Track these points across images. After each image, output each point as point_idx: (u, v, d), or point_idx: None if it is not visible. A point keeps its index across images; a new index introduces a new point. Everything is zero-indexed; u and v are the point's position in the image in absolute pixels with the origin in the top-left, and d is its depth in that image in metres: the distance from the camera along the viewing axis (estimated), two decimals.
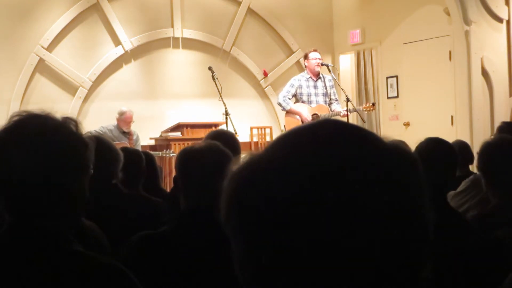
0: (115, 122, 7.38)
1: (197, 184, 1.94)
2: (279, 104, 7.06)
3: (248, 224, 0.67)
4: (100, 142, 2.69)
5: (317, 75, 7.07)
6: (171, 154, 7.21)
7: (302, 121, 6.90)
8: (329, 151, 0.67)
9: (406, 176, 0.68)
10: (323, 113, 6.95)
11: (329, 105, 7.09)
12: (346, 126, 0.71)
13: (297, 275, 0.65)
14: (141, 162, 3.24)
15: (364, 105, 7.25)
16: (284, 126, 7.19)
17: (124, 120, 7.32)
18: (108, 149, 2.67)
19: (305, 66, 7.18)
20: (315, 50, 7.13)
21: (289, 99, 6.98)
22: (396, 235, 0.65)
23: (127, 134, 7.37)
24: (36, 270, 1.26)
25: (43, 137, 1.30)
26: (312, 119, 6.86)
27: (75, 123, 1.36)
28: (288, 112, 6.98)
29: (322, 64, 7.11)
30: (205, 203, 1.83)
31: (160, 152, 7.27)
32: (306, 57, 7.15)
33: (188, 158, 2.00)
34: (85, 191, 1.37)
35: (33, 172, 1.27)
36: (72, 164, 1.32)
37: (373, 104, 7.22)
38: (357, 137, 0.70)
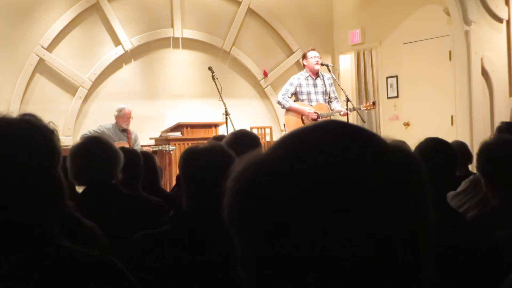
0: (113, 121, 7.37)
1: (199, 184, 1.94)
2: (279, 103, 7.06)
3: (251, 224, 0.67)
4: (100, 142, 2.69)
5: (316, 74, 7.07)
6: (171, 148, 7.21)
7: (303, 119, 6.90)
8: (332, 152, 0.67)
9: (409, 177, 0.68)
10: (323, 111, 6.95)
11: (328, 103, 7.09)
12: (349, 127, 0.72)
13: (300, 275, 0.65)
14: (138, 162, 3.24)
15: (364, 104, 7.26)
16: (284, 124, 7.19)
17: (123, 116, 7.30)
18: (108, 149, 2.67)
19: (304, 66, 7.19)
20: (313, 49, 7.16)
21: (289, 97, 6.98)
22: (398, 235, 0.66)
23: (126, 133, 7.36)
24: (22, 267, 1.25)
25: (6, 133, 1.30)
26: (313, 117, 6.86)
27: (34, 116, 1.36)
28: (288, 110, 6.98)
29: (322, 64, 7.11)
30: (208, 203, 1.83)
31: (160, 146, 7.27)
32: (304, 56, 7.18)
33: (191, 158, 2.00)
34: (62, 179, 1.36)
35: (5, 174, 1.27)
36: (41, 153, 1.31)
37: (374, 103, 7.23)
38: (361, 138, 0.70)
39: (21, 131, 1.31)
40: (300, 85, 7.01)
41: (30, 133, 1.31)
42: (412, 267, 0.67)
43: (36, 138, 1.31)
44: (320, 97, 7.03)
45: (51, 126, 1.37)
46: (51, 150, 1.33)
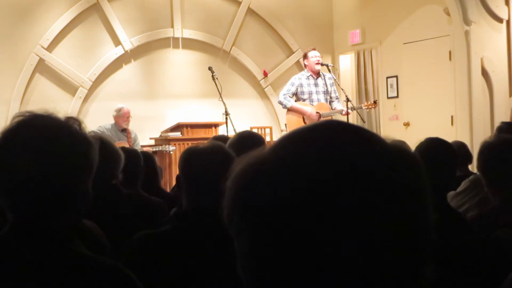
0: (112, 122, 7.37)
1: (199, 184, 1.94)
2: (280, 103, 7.05)
3: (251, 223, 0.67)
4: (101, 142, 2.68)
5: (317, 74, 7.08)
6: (171, 149, 7.21)
7: (304, 119, 6.90)
8: (333, 152, 0.67)
9: (409, 177, 0.68)
10: (325, 111, 6.95)
11: (329, 103, 7.10)
12: (350, 127, 0.72)
13: (300, 275, 0.65)
14: (139, 162, 3.24)
15: (365, 103, 7.27)
16: (285, 124, 7.19)
17: (122, 116, 7.30)
18: (109, 149, 2.67)
19: (305, 65, 7.19)
20: (314, 49, 7.17)
21: (290, 97, 6.98)
22: (398, 235, 0.66)
23: (125, 133, 7.36)
24: (38, 271, 1.26)
25: (46, 137, 1.29)
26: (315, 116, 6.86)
27: (79, 122, 1.36)
28: (290, 110, 6.98)
29: (322, 64, 7.12)
30: (208, 203, 1.83)
31: (160, 147, 7.27)
32: (305, 56, 7.18)
33: (191, 158, 2.00)
34: (89, 191, 1.36)
35: (37, 173, 1.26)
36: (76, 164, 1.31)
37: (375, 102, 7.24)
38: (361, 138, 0.70)
39: (62, 136, 1.30)
40: (301, 85, 7.01)
41: (70, 140, 1.30)
42: (411, 267, 0.67)
43: (75, 148, 1.30)
44: (322, 97, 7.03)
45: (91, 137, 1.36)
46: (85, 162, 1.33)
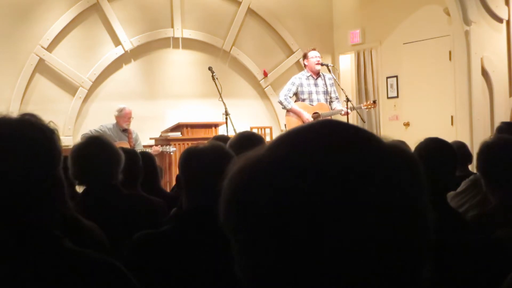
0: (114, 121, 7.36)
1: (199, 184, 1.94)
2: (280, 103, 7.06)
3: (248, 223, 0.67)
4: (102, 143, 2.68)
5: (317, 74, 7.08)
6: (172, 150, 7.21)
7: (303, 122, 6.91)
8: (329, 152, 0.67)
9: (406, 177, 0.68)
10: (324, 111, 6.95)
11: (329, 103, 7.10)
12: (346, 126, 0.72)
13: (297, 274, 0.65)
14: (137, 162, 3.24)
15: (365, 103, 7.27)
16: (285, 125, 7.19)
17: (123, 116, 7.30)
18: (109, 150, 2.67)
19: (305, 65, 7.20)
20: (314, 49, 7.17)
21: (290, 97, 6.98)
22: (396, 235, 0.66)
23: (126, 133, 7.35)
24: (22, 268, 1.25)
25: (7, 133, 1.29)
26: (313, 118, 6.87)
27: (34, 116, 1.36)
28: (289, 111, 6.99)
29: (322, 64, 7.12)
30: (207, 203, 1.83)
31: (160, 147, 7.27)
32: (305, 56, 7.19)
33: (191, 158, 2.00)
34: (62, 180, 1.36)
35: (5, 172, 1.26)
36: (42, 153, 1.30)
37: (374, 102, 7.24)
38: (358, 137, 0.70)
39: (21, 131, 1.30)
40: (301, 85, 7.02)
41: (30, 133, 1.30)
42: (410, 267, 0.67)
43: (36, 138, 1.30)
44: (321, 97, 7.03)
45: (52, 125, 1.36)
46: (51, 150, 1.32)
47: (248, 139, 2.89)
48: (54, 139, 1.33)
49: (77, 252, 1.30)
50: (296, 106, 6.94)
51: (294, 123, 6.88)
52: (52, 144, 1.32)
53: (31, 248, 1.26)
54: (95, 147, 2.65)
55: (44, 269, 1.25)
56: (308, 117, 6.86)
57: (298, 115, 6.91)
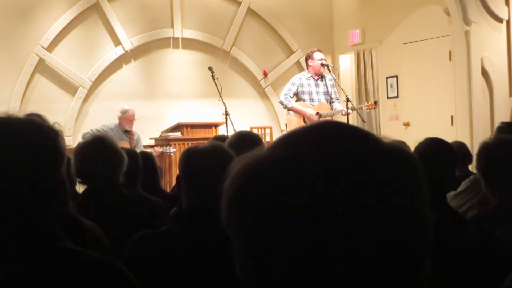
0: (116, 121, 7.36)
1: (199, 184, 1.94)
2: (281, 103, 7.05)
3: (250, 223, 0.67)
4: (105, 143, 2.68)
5: (319, 75, 7.08)
6: (172, 151, 7.20)
7: (305, 120, 6.90)
8: (330, 152, 0.67)
9: (406, 177, 0.68)
10: (325, 111, 6.95)
11: (330, 104, 7.09)
12: (347, 127, 0.72)
13: (299, 275, 0.65)
14: (137, 162, 3.24)
15: (366, 103, 7.26)
16: (286, 125, 7.19)
17: (127, 118, 7.30)
18: (112, 151, 2.67)
19: (309, 66, 7.13)
20: (319, 50, 7.10)
21: (291, 97, 6.98)
22: (396, 235, 0.66)
23: (128, 134, 7.36)
24: (23, 268, 1.25)
25: (11, 133, 1.29)
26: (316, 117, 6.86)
27: (40, 116, 1.36)
28: (290, 111, 6.98)
29: (322, 65, 7.11)
30: (207, 203, 1.83)
31: (160, 148, 7.27)
32: (310, 57, 7.09)
33: (191, 158, 2.00)
34: (65, 181, 1.36)
35: (8, 169, 1.26)
36: (46, 154, 1.30)
37: (375, 102, 7.23)
38: (358, 138, 0.70)
39: (26, 131, 1.30)
40: (301, 85, 7.01)
41: (35, 133, 1.30)
42: (410, 267, 0.67)
43: (40, 139, 1.30)
44: (322, 97, 7.03)
45: (56, 127, 1.36)
46: (55, 152, 1.32)
47: (247, 139, 2.89)
48: (59, 140, 1.33)
49: (79, 253, 1.30)
50: (296, 105, 6.93)
51: (295, 122, 6.87)
52: (56, 146, 1.32)
53: (33, 248, 1.26)
54: (98, 147, 2.65)
55: (45, 269, 1.25)
56: (313, 113, 6.83)
57: (300, 113, 6.88)
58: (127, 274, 1.32)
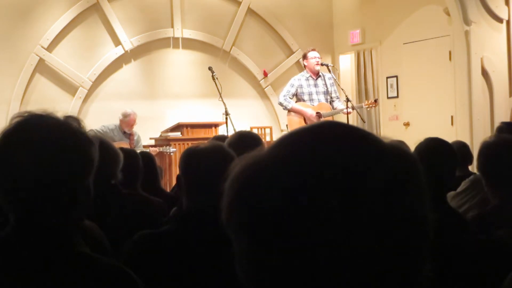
0: (117, 122, 7.37)
1: (199, 184, 1.94)
2: (280, 104, 7.06)
3: (250, 223, 0.67)
4: (100, 143, 2.68)
5: (317, 74, 7.08)
6: (172, 150, 7.20)
7: (305, 120, 6.90)
8: (330, 152, 0.67)
9: (406, 177, 0.69)
10: (326, 111, 6.95)
11: (330, 103, 7.10)
12: (347, 127, 0.72)
13: (299, 275, 0.65)
14: (137, 162, 3.24)
15: (366, 102, 7.27)
16: (286, 125, 7.19)
17: (127, 122, 7.32)
18: (108, 149, 2.67)
19: (305, 66, 7.20)
20: (313, 50, 7.16)
21: (290, 98, 6.98)
22: (396, 235, 0.66)
23: (128, 135, 7.37)
24: (42, 271, 1.26)
25: (46, 136, 1.29)
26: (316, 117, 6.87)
27: (78, 121, 1.36)
28: (290, 111, 6.98)
29: (322, 64, 7.12)
30: (208, 203, 1.83)
31: (160, 148, 7.27)
32: (305, 56, 7.19)
33: (191, 158, 2.00)
34: (90, 189, 1.36)
35: (37, 172, 1.26)
36: (76, 162, 1.30)
37: (376, 101, 7.24)
38: (358, 138, 0.70)
39: (59, 136, 1.29)
40: (301, 86, 7.01)
41: (68, 139, 1.30)
42: (410, 267, 0.67)
43: (73, 147, 1.30)
44: (322, 97, 7.03)
45: (91, 135, 1.35)
46: (85, 161, 1.32)
47: (247, 139, 2.89)
48: (91, 150, 1.33)
49: (93, 259, 1.31)
50: (296, 105, 6.94)
51: (296, 122, 6.87)
52: (87, 155, 1.32)
53: (53, 252, 1.27)
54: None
55: (64, 274, 1.25)
56: (312, 113, 6.85)
57: (300, 113, 6.90)
58: (138, 282, 1.33)
